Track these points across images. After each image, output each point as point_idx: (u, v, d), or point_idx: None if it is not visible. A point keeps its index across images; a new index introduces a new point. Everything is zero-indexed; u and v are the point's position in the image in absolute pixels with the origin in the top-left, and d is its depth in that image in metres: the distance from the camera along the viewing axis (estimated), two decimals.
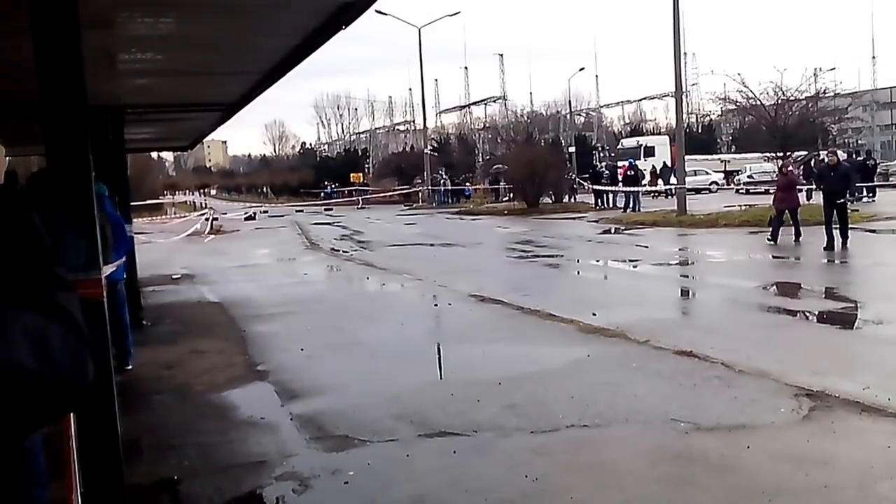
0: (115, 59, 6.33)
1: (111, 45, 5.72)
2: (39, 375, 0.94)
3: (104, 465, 3.63)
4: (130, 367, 7.58)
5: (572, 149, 48.93)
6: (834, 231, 14.89)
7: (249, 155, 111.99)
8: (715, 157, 49.30)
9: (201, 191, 72.86)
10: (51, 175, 3.90)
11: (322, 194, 53.88)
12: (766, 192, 27.73)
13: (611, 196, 32.26)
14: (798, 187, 18.59)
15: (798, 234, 16.37)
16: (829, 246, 14.68)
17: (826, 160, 16.66)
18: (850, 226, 15.44)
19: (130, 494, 4.19)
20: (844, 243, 14.93)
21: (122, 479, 3.89)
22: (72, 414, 2.95)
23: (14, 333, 0.93)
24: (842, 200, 15.11)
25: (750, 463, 4.67)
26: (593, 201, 33.64)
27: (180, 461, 5.11)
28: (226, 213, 36.98)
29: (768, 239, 16.13)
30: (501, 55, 79.64)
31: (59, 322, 1.02)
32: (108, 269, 6.26)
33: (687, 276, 13.47)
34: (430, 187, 46.13)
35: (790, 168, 18.35)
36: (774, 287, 11.86)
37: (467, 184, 47.29)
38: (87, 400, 1.06)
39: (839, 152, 18.68)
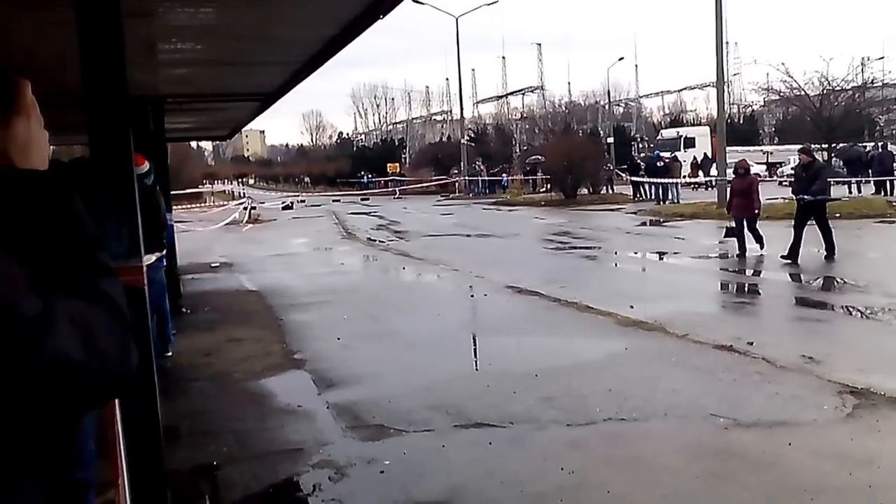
0: (156, 50, 6.39)
1: (152, 35, 5.77)
2: (85, 365, 0.94)
3: (145, 450, 3.68)
4: (170, 353, 7.69)
5: (611, 140, 48.46)
6: (803, 236, 12.82)
7: (287, 144, 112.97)
8: (757, 148, 48.43)
9: (239, 180, 73.67)
10: (93, 163, 3.94)
11: (358, 184, 54.12)
12: None
13: (651, 188, 31.88)
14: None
15: (761, 243, 13.91)
16: (791, 254, 12.69)
17: (800, 159, 13.91)
18: (882, 217, 14.32)
19: (170, 479, 4.25)
20: (830, 254, 12.85)
21: (162, 464, 3.94)
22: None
23: (61, 322, 0.93)
24: (809, 199, 12.85)
25: (791, 460, 4.59)
26: (632, 193, 33.29)
27: (219, 447, 5.18)
28: (263, 203, 37.30)
29: (737, 255, 13.85)
30: (539, 45, 79.23)
31: (104, 310, 1.02)
32: (151, 257, 6.37)
33: (726, 270, 13.25)
34: (466, 178, 46.04)
35: (748, 167, 14.93)
36: (817, 281, 11.62)
37: (504, 174, 47.10)
38: (131, 388, 1.06)
39: (817, 149, 16.23)
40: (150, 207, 6.92)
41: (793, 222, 13.07)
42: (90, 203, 1.19)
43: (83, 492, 3.66)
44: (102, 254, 1.10)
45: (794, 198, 13.70)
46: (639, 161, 36.76)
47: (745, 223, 13.88)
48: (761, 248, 13.86)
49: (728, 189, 16.19)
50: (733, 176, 14.88)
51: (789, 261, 12.56)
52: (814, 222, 12.98)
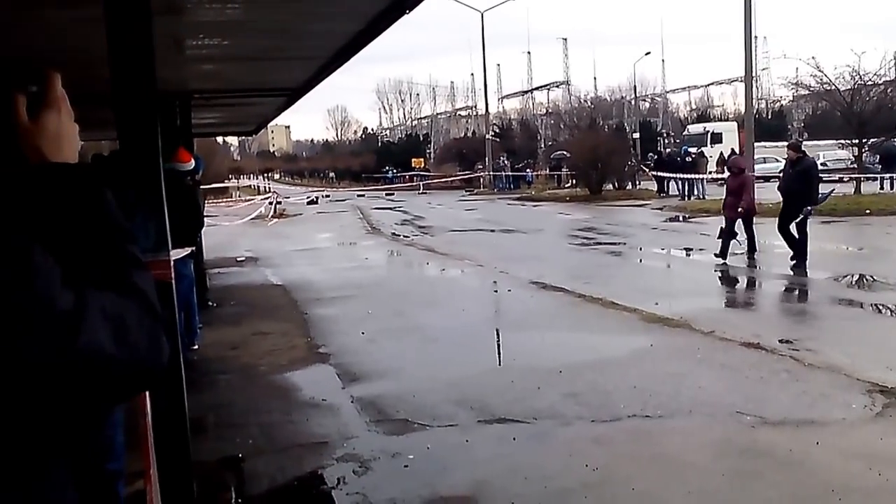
0: (184, 46, 6.44)
1: (180, 32, 5.82)
2: (117, 358, 0.95)
3: (172, 441, 3.72)
4: (197, 346, 7.77)
5: (636, 135, 48.10)
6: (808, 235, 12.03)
7: (312, 140, 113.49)
8: (785, 143, 47.83)
9: (265, 175, 74.11)
10: (122, 158, 3.99)
11: (383, 180, 54.23)
12: (840, 179, 26.80)
13: (679, 183, 31.60)
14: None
15: (752, 249, 13.04)
16: (798, 255, 11.91)
17: (787, 154, 12.83)
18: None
19: (197, 471, 4.29)
20: (798, 262, 11.81)
21: (189, 455, 3.99)
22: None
23: (94, 316, 0.93)
24: (802, 215, 11.89)
25: (819, 459, 4.54)
26: (656, 188, 32.99)
27: (245, 440, 5.23)
28: (289, 197, 37.49)
29: (716, 254, 12.83)
30: (565, 39, 78.71)
31: (135, 303, 1.03)
32: (181, 252, 6.43)
33: (754, 266, 13.10)
34: (491, 173, 45.94)
35: (742, 166, 14.05)
36: (846, 279, 11.46)
37: (529, 170, 46.92)
38: (161, 380, 1.07)
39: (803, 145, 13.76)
40: (190, 205, 7.01)
41: (792, 227, 12.09)
42: (120, 196, 1.20)
43: (113, 482, 3.71)
44: (133, 247, 1.11)
45: (781, 196, 12.65)
46: (665, 156, 36.41)
47: (738, 223, 12.93)
48: (751, 252, 12.95)
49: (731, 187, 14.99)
50: (727, 174, 14.20)
51: (797, 262, 11.87)
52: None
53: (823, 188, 13.89)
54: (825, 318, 8.80)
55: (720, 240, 12.92)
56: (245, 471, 4.75)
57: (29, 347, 0.87)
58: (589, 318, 8.84)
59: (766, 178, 34.84)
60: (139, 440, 3.28)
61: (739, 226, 12.91)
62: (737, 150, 36.87)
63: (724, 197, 13.77)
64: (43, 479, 0.97)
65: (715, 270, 12.29)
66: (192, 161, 7.26)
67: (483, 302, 10.45)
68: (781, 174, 13.51)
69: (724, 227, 13.01)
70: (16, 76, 1.11)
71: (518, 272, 12.23)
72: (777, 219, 12.39)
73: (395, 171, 57.93)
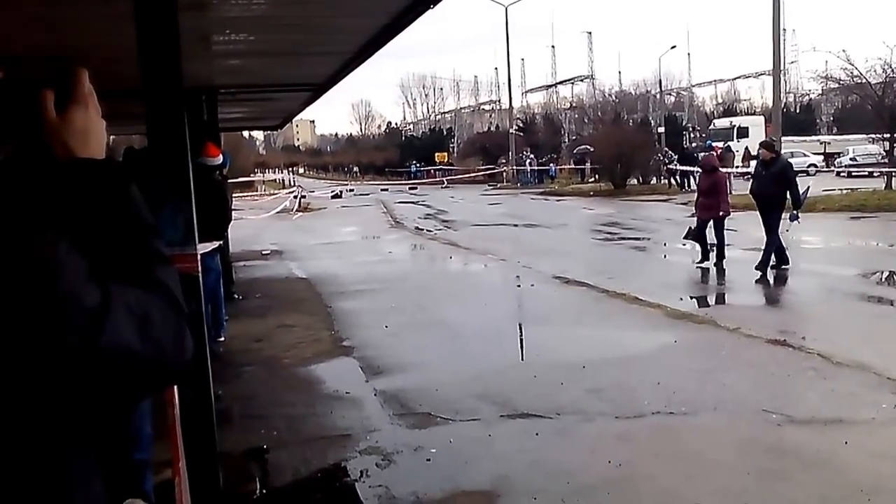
0: (210, 41, 6.48)
1: (206, 27, 5.86)
2: (141, 353, 0.95)
3: (198, 432, 3.76)
4: (223, 339, 7.83)
5: (661, 129, 47.72)
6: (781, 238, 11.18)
7: (336, 134, 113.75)
8: (814, 138, 47.17)
9: (290, 169, 74.47)
10: (150, 152, 4.03)
11: (406, 174, 54.26)
12: (871, 174, 26.41)
13: (690, 178, 31.32)
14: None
15: (721, 255, 11.91)
16: (779, 260, 11.17)
17: (759, 154, 11.67)
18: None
19: (222, 461, 4.34)
20: (763, 271, 10.91)
21: (215, 446, 4.03)
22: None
23: (119, 311, 0.93)
24: (791, 222, 11.19)
25: (847, 459, 4.48)
26: (678, 184, 32.67)
27: (269, 431, 5.27)
28: (313, 191, 37.67)
29: (696, 262, 11.98)
30: (590, 33, 78.33)
31: (160, 298, 1.03)
32: (209, 246, 6.50)
33: (780, 266, 12.94)
34: (514, 167, 45.84)
35: (716, 164, 12.80)
36: (875, 275, 11.31)
37: (552, 164, 46.75)
38: (186, 376, 1.07)
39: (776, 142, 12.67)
40: (219, 199, 7.07)
41: (764, 228, 11.24)
42: (146, 191, 1.21)
43: (141, 472, 3.76)
44: (158, 242, 1.11)
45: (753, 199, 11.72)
46: (687, 151, 36.09)
47: (710, 226, 11.94)
48: (720, 258, 11.88)
49: (697, 186, 13.95)
50: (700, 173, 13.05)
51: (781, 267, 11.14)
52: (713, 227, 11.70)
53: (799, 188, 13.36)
54: (854, 316, 8.68)
55: (686, 239, 12.23)
56: (269, 462, 4.79)
57: (55, 343, 0.87)
58: (612, 314, 8.79)
59: (796, 174, 34.60)
60: (167, 430, 3.31)
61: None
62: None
63: (696, 197, 12.65)
64: (69, 470, 0.97)
65: (743, 265, 12.16)
66: (221, 156, 7.31)
67: (506, 296, 10.44)
68: (752, 176, 12.45)
69: (692, 227, 12.11)
70: (44, 72, 1.12)
71: (541, 267, 12.19)
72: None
73: (418, 165, 57.96)
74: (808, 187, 13.96)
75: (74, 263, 0.92)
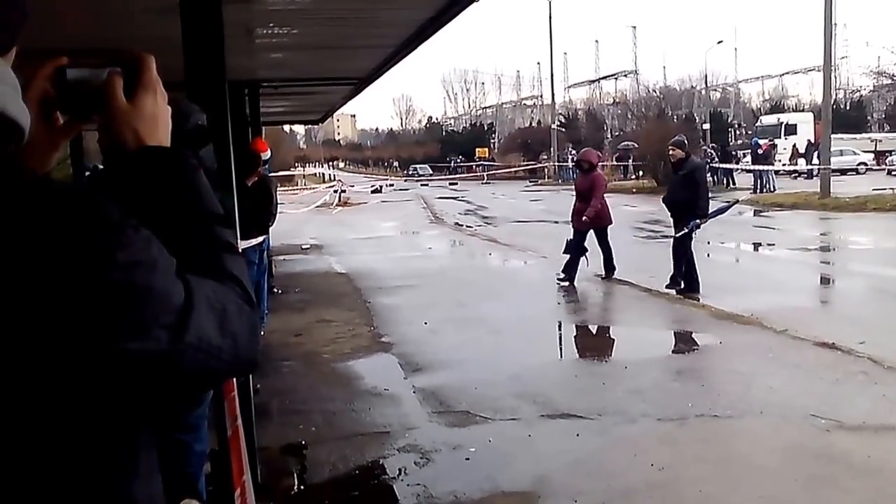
0: (254, 34, 6.51)
1: (250, 20, 5.87)
2: (221, 347, 0.94)
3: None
4: (263, 333, 7.88)
5: (706, 126, 46.99)
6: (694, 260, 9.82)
7: (377, 128, 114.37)
8: (864, 135, 46.04)
9: (330, 163, 75.03)
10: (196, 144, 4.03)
11: (447, 169, 54.25)
12: None
13: (732, 176, 30.77)
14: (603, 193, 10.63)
15: (610, 268, 10.52)
16: (689, 284, 9.69)
17: (669, 155, 10.13)
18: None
19: (261, 456, 4.35)
20: (672, 283, 9.73)
21: (254, 441, 4.03)
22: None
23: (200, 306, 0.92)
24: (687, 229, 9.54)
25: None
26: (720, 181, 32.14)
27: (308, 427, 5.27)
28: (353, 186, 37.87)
29: (559, 276, 10.42)
30: (634, 27, 77.64)
31: (233, 290, 1.01)
32: (253, 241, 6.54)
33: (828, 263, 12.66)
34: (556, 163, 45.55)
35: (594, 161, 10.87)
36: None
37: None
38: (255, 368, 1.05)
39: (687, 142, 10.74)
40: (264, 194, 7.13)
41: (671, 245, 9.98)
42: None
43: (198, 465, 3.68)
44: (228, 233, 1.09)
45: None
46: (731, 148, 35.51)
47: (589, 235, 10.48)
48: (609, 272, 10.52)
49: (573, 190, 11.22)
50: (577, 173, 11.06)
51: (676, 289, 9.64)
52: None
53: (724, 200, 12.12)
54: None
55: (566, 254, 10.44)
56: (307, 457, 4.78)
57: (145, 342, 0.86)
58: (655, 313, 8.66)
59: (843, 172, 33.84)
60: (230, 419, 3.27)
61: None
62: (812, 141, 35.78)
63: (573, 202, 10.81)
64: (136, 465, 0.95)
65: (790, 265, 11.90)
66: (269, 151, 7.33)
67: (546, 294, 10.32)
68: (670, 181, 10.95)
69: (570, 239, 10.49)
70: (110, 59, 1.10)
71: (582, 264, 12.05)
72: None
73: (458, 160, 57.91)
74: (737, 201, 12.90)
75: (166, 260, 0.91)
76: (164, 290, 0.88)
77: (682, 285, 9.68)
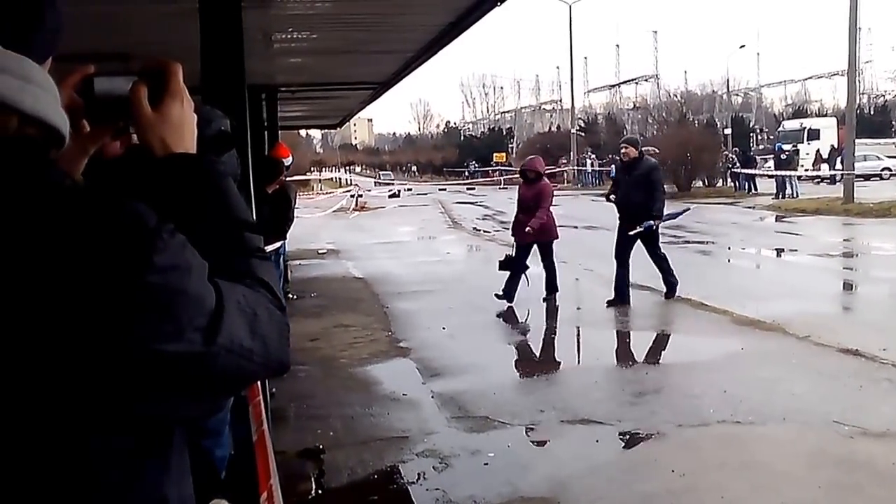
0: (272, 39, 6.54)
1: (269, 25, 5.90)
2: (252, 351, 0.95)
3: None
4: None
5: (728, 131, 46.68)
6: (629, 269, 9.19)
7: (394, 133, 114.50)
8: (889, 140, 45.51)
9: (347, 168, 75.20)
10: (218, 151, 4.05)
11: (465, 174, 54.25)
12: None
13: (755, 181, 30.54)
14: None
15: (552, 287, 9.56)
16: (619, 300, 9.07)
17: (621, 154, 9.57)
18: None
19: (279, 460, 4.33)
20: (670, 291, 9.32)
21: (271, 445, 4.02)
22: None
23: (232, 310, 0.93)
24: (635, 232, 8.99)
25: None
26: (739, 186, 31.90)
27: (325, 431, 5.26)
28: (370, 191, 37.96)
29: (497, 294, 9.40)
30: (655, 32, 77.19)
31: (263, 295, 1.02)
32: (272, 247, 6.55)
33: (851, 269, 12.50)
34: (575, 168, 45.42)
35: (539, 170, 9.76)
36: None
37: (614, 165, 46.17)
38: (285, 371, 1.05)
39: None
40: (284, 200, 7.16)
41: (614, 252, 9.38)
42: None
43: (221, 468, 3.67)
44: (257, 238, 1.10)
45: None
46: (752, 154, 35.25)
47: (531, 250, 9.58)
48: (550, 291, 9.55)
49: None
50: (521, 182, 10.06)
51: (616, 305, 9.05)
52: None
53: (677, 206, 11.60)
54: None
55: (503, 271, 9.53)
56: (325, 462, 4.77)
57: (179, 343, 0.87)
58: (677, 319, 8.59)
59: (867, 177, 33.48)
60: (255, 422, 3.26)
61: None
62: (836, 147, 35.44)
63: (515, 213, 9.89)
64: (168, 467, 0.96)
65: (813, 271, 11.76)
66: (290, 156, 7.36)
67: (565, 299, 10.26)
68: (612, 183, 10.40)
69: (511, 254, 9.67)
70: (137, 68, 1.11)
71: (602, 270, 11.94)
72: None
73: (476, 165, 57.90)
74: (689, 209, 12.61)
75: (200, 264, 0.92)
76: (198, 293, 0.89)
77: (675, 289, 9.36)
